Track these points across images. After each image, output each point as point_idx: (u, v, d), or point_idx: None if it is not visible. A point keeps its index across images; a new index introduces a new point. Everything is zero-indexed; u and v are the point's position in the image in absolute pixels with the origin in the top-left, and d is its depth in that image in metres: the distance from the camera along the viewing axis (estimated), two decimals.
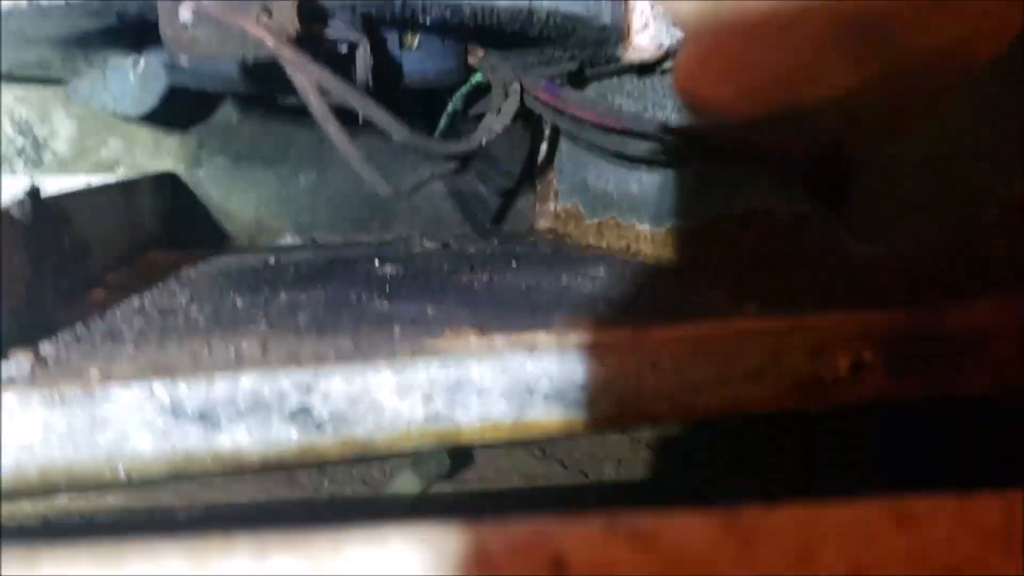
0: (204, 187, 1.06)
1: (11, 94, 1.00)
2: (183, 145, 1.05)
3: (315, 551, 0.25)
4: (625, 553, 0.25)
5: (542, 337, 0.43)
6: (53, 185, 0.99)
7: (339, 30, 0.65)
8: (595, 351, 0.43)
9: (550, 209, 1.23)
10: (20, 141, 1.01)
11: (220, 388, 0.38)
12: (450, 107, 0.81)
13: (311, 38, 0.64)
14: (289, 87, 0.57)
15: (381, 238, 1.11)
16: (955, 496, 0.29)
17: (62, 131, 1.02)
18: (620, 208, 1.05)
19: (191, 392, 0.38)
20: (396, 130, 0.58)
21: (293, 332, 0.47)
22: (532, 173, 1.21)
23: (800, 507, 0.28)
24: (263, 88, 0.71)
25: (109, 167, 1.03)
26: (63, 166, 1.02)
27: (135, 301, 0.57)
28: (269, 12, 0.55)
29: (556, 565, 0.24)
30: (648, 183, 0.98)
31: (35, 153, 1.02)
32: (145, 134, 1.04)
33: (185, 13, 0.55)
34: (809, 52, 0.37)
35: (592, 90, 0.98)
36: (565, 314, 0.49)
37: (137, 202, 0.86)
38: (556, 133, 1.17)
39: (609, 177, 1.06)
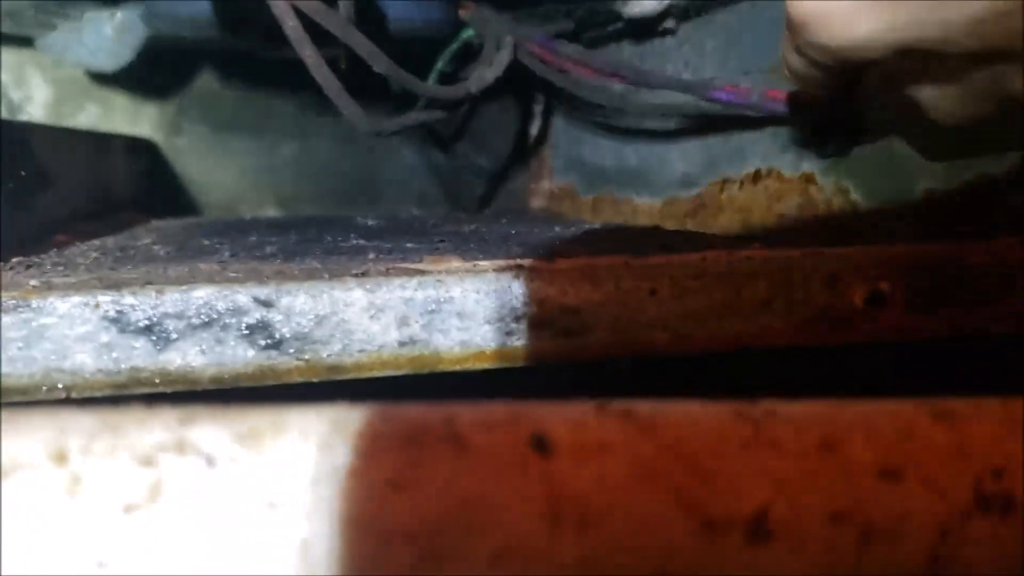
0: (184, 156, 1.02)
1: None
2: (162, 112, 1.01)
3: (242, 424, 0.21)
4: (618, 435, 0.21)
5: (532, 261, 0.40)
6: None
7: None
8: (589, 274, 0.39)
9: (544, 187, 1.19)
10: None
11: (171, 301, 0.34)
12: (439, 64, 0.78)
13: None
14: (267, 32, 0.54)
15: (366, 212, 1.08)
16: (999, 398, 0.25)
17: (38, 95, 0.98)
18: (618, 183, 1.01)
19: (139, 304, 0.34)
20: (378, 60, 0.55)
21: (257, 259, 0.43)
22: (524, 151, 1.17)
23: (824, 402, 0.24)
24: (240, 33, 0.67)
25: None
26: None
27: (96, 242, 0.53)
28: None
29: (538, 444, 0.20)
30: (648, 154, 0.94)
31: (10, 118, 0.98)
32: (123, 100, 1.00)
33: None
34: None
35: None
36: (559, 248, 0.46)
37: (111, 158, 0.82)
38: (550, 109, 1.13)
39: (606, 152, 1.03)
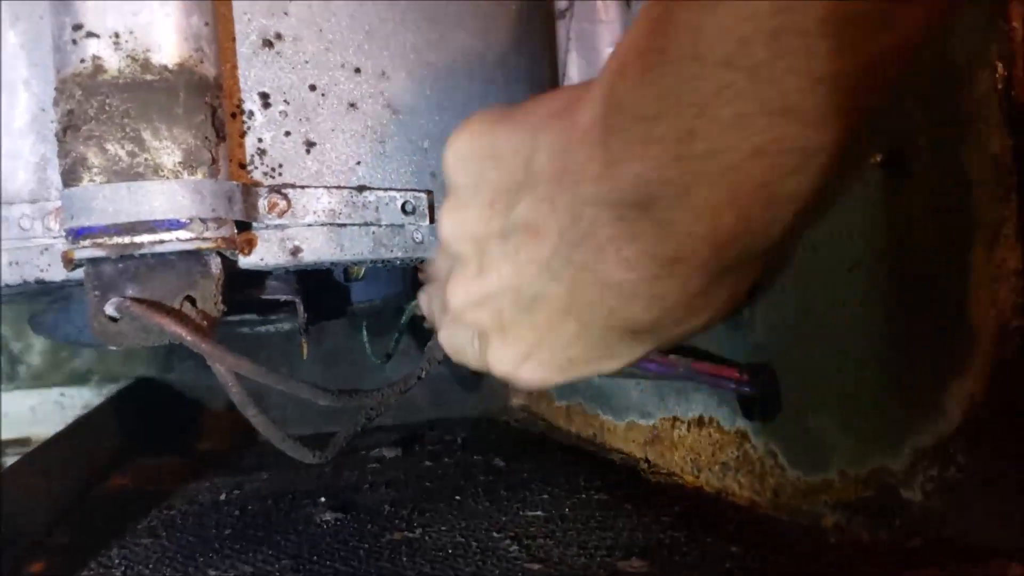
0: (175, 391, 1.08)
1: None
2: (155, 352, 1.08)
3: None
4: None
5: None
6: (27, 401, 1.02)
7: (275, 290, 0.68)
8: None
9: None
10: None
11: None
12: (399, 333, 0.83)
13: (247, 299, 0.67)
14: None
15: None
16: None
17: (36, 345, 1.05)
18: (585, 396, 1.06)
19: None
20: (322, 397, 0.60)
21: None
22: None
23: None
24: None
25: (82, 378, 1.06)
26: (37, 379, 1.05)
27: None
28: (192, 300, 0.58)
29: None
30: (609, 379, 0.99)
31: (10, 368, 1.04)
32: None
33: (110, 309, 0.57)
34: None
35: None
36: None
37: (97, 434, 0.88)
38: None
39: None
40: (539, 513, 0.69)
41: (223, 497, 0.80)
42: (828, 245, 0.64)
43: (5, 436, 0.97)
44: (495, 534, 0.65)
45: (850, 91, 0.29)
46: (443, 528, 0.67)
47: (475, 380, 1.22)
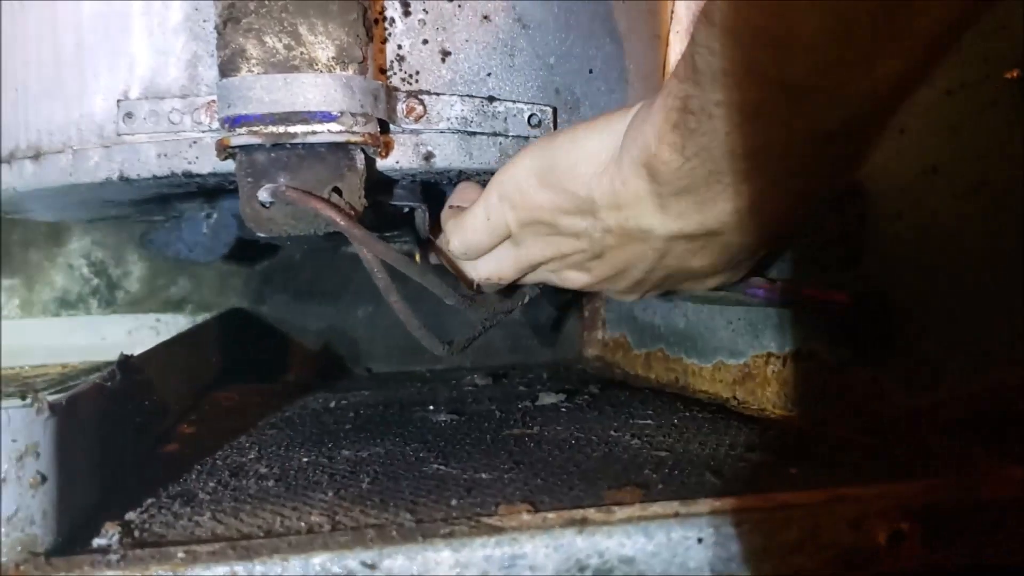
0: (267, 322, 1.11)
1: (88, 237, 1.07)
2: (248, 283, 1.11)
3: None
4: None
5: (590, 513, 0.46)
6: (124, 325, 1.05)
7: (402, 197, 0.70)
8: (639, 525, 0.45)
9: (598, 337, 1.26)
10: (95, 281, 1.07)
11: (294, 567, 0.42)
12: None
13: (377, 206, 0.69)
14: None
15: (434, 367, 1.15)
16: None
17: (135, 271, 1.08)
18: (668, 341, 1.07)
19: (269, 572, 0.41)
20: (450, 296, 0.62)
21: (358, 500, 0.50)
22: (579, 299, 1.25)
23: None
24: (329, 243, 0.76)
25: (177, 305, 1.09)
26: (134, 304, 1.08)
27: (207, 459, 0.61)
28: (339, 191, 0.60)
29: None
30: (695, 319, 1.01)
31: (108, 292, 1.08)
32: (211, 274, 1.10)
33: (264, 194, 0.60)
34: None
35: None
36: (611, 483, 0.52)
37: (204, 347, 0.91)
38: None
39: (656, 310, 1.10)
40: (649, 421, 0.71)
41: (332, 405, 0.82)
42: (949, 167, 0.65)
43: (103, 358, 1.01)
44: (612, 432, 0.66)
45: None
46: (559, 428, 0.69)
47: (552, 327, 1.25)
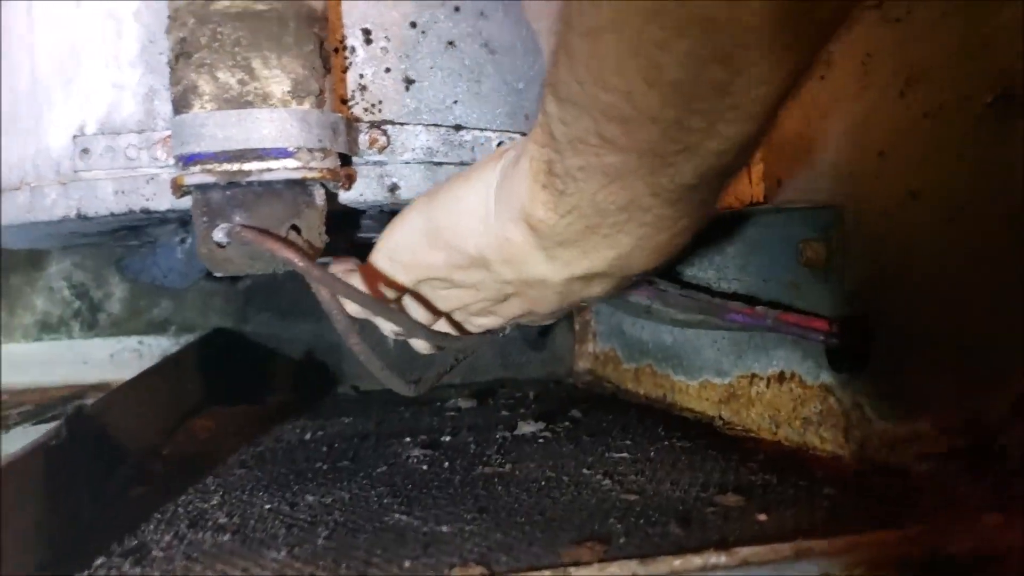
0: (251, 341, 1.10)
1: (69, 260, 1.06)
2: (230, 303, 1.09)
3: None
4: None
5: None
6: (106, 349, 1.04)
7: (370, 228, 0.69)
8: None
9: (589, 350, 1.25)
10: (77, 304, 1.06)
11: None
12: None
13: (344, 238, 0.68)
14: None
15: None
16: None
17: (116, 293, 1.07)
18: (656, 357, 1.06)
19: None
20: (418, 332, 0.61)
21: (311, 559, 0.49)
22: (570, 313, 1.23)
23: None
24: None
25: (160, 327, 1.08)
26: (116, 327, 1.07)
27: (169, 506, 0.60)
28: (298, 228, 0.59)
29: None
30: (681, 337, 0.99)
31: (90, 315, 1.07)
32: (194, 294, 1.08)
33: (219, 234, 0.58)
34: None
35: None
36: (574, 535, 0.51)
37: (183, 374, 0.89)
38: None
39: (644, 326, 1.08)
40: (625, 455, 0.69)
41: (308, 436, 0.81)
42: (929, 192, 0.64)
43: (86, 381, 0.99)
44: (584, 471, 0.65)
45: None
46: (532, 464, 0.67)
47: (542, 342, 1.23)
